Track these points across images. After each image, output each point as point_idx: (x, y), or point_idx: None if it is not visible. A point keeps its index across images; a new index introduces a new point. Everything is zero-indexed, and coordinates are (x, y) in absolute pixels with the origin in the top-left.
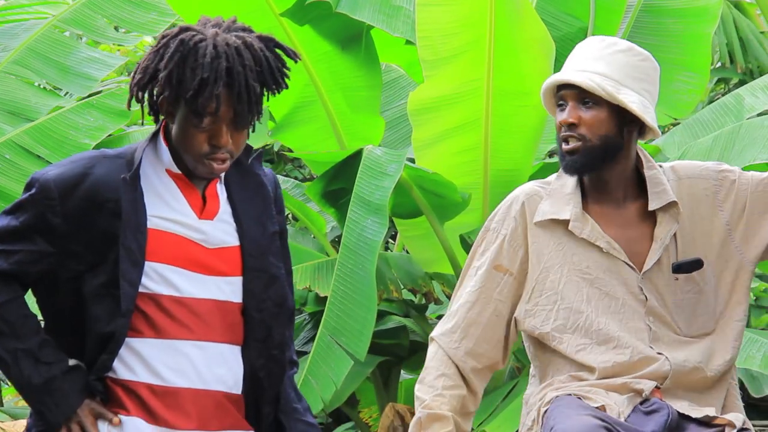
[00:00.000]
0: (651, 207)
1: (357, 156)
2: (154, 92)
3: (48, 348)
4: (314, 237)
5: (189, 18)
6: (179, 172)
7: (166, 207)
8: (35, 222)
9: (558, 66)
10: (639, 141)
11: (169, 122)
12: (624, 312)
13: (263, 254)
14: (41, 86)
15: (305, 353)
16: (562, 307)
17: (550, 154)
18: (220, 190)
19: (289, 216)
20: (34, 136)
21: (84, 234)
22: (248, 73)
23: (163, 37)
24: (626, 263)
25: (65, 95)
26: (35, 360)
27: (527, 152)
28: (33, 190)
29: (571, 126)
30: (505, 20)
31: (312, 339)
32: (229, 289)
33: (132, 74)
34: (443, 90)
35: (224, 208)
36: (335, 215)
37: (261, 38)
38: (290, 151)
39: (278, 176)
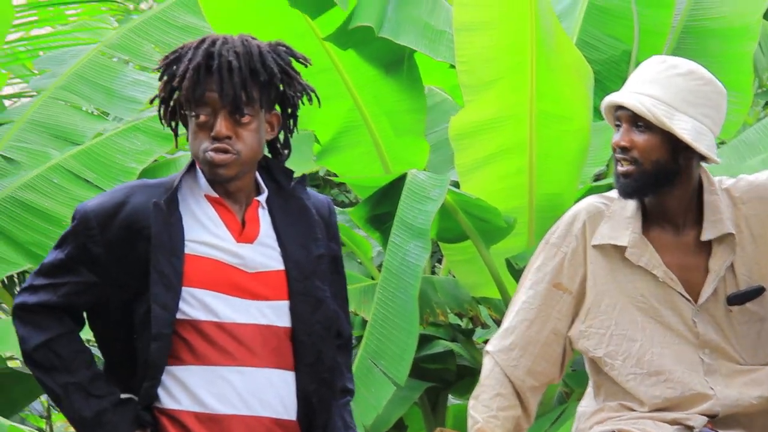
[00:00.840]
0: (703, 237)
1: (401, 180)
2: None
3: (99, 381)
4: (360, 262)
5: None
6: (217, 195)
7: (204, 231)
8: (78, 253)
9: (598, 90)
10: (704, 164)
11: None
12: (678, 344)
13: (308, 278)
14: (89, 111)
15: None
16: (616, 333)
17: (596, 178)
18: (262, 214)
19: None
20: (81, 160)
21: (126, 262)
22: (231, 55)
23: None
24: (682, 295)
25: (113, 119)
26: (86, 393)
27: (572, 176)
28: (75, 222)
29: (624, 149)
30: (545, 46)
31: None
32: (273, 313)
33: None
34: (485, 114)
35: (267, 232)
36: (380, 239)
37: (269, 43)
38: (335, 175)
39: None
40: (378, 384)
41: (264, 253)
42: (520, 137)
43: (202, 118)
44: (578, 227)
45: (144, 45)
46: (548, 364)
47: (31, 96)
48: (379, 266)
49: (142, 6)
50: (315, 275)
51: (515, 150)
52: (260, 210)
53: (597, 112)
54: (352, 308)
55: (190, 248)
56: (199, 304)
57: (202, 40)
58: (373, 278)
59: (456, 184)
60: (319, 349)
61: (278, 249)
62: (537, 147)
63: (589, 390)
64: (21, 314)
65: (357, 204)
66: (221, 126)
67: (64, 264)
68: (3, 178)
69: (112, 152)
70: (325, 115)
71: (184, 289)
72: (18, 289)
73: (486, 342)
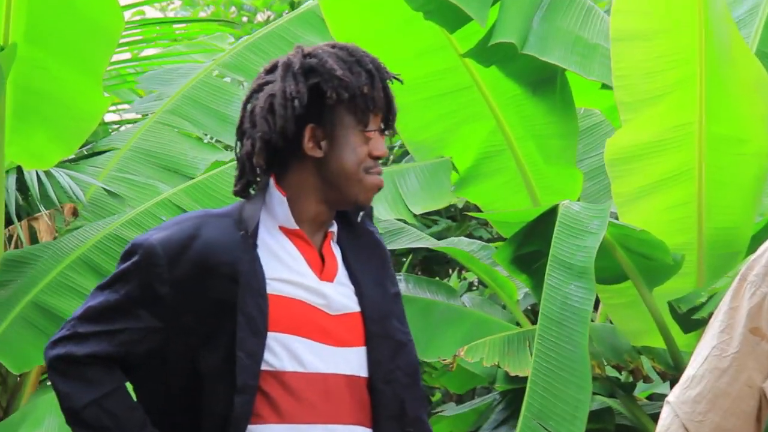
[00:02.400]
0: None
1: (552, 213)
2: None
3: None
4: (504, 306)
5: None
6: (296, 227)
7: (285, 268)
8: (140, 293)
9: None
10: None
11: (313, 154)
12: None
13: (385, 318)
14: (200, 138)
15: None
16: None
17: None
18: (335, 249)
19: (475, 281)
20: (193, 195)
21: (195, 303)
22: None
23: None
24: None
25: (225, 148)
26: None
27: (747, 207)
28: (136, 258)
29: None
30: (717, 57)
31: (504, 421)
32: (356, 361)
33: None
34: (645, 137)
35: (341, 270)
36: (528, 282)
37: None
38: (476, 208)
39: (462, 237)
40: None
41: (343, 293)
42: (687, 162)
43: (371, 127)
44: None
45: (260, 64)
46: (739, 421)
47: (136, 122)
48: (526, 311)
49: (258, 18)
50: (393, 315)
51: (682, 177)
52: (332, 243)
53: None
54: (495, 361)
55: (273, 288)
56: (284, 351)
57: (352, 51)
58: (519, 324)
59: (614, 217)
60: (401, 399)
61: (352, 287)
62: (707, 173)
63: None
64: (64, 367)
65: (498, 240)
66: (384, 145)
67: (121, 307)
68: (106, 213)
69: (227, 187)
70: (465, 139)
71: (269, 334)
72: None
73: (649, 398)
